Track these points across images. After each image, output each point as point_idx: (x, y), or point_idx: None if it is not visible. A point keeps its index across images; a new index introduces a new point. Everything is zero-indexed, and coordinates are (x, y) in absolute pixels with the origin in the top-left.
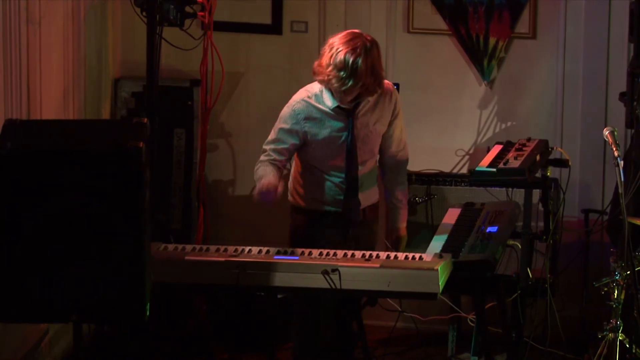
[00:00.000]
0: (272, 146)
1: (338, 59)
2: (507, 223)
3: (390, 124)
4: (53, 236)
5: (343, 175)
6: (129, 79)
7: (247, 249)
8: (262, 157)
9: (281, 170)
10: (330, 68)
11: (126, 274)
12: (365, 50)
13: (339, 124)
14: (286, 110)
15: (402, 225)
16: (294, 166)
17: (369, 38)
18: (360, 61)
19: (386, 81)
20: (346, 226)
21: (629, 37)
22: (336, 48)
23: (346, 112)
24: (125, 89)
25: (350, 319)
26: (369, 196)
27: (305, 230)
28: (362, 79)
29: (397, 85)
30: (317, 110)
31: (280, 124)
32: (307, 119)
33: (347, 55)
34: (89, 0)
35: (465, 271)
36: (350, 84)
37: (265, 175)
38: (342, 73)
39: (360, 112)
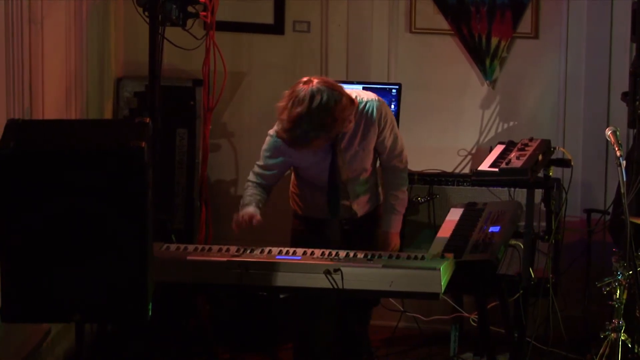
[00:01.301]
0: (259, 170)
1: (291, 136)
2: (509, 223)
3: (378, 136)
4: (55, 236)
5: None
6: (131, 78)
7: (249, 249)
8: (251, 177)
9: (268, 191)
10: (287, 139)
11: (128, 274)
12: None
13: (323, 149)
14: (268, 138)
15: (390, 230)
16: (292, 176)
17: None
18: (312, 136)
19: (368, 96)
20: (332, 236)
21: (631, 37)
22: (287, 120)
23: None
24: (127, 88)
25: (355, 322)
26: (365, 204)
27: (303, 235)
28: (319, 142)
29: (399, 85)
30: None
31: (265, 151)
32: (290, 147)
33: (301, 132)
34: (91, 0)
35: (468, 271)
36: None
37: (247, 204)
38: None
39: (342, 137)
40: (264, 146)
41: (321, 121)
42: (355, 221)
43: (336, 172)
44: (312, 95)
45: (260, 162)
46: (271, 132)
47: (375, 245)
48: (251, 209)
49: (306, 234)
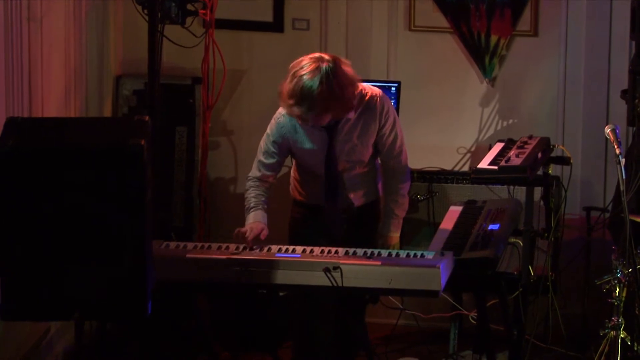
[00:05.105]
0: (262, 158)
1: (293, 89)
2: (509, 221)
3: (378, 132)
4: (54, 234)
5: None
6: (131, 76)
7: (248, 246)
8: (253, 172)
9: (269, 186)
10: (287, 98)
11: (128, 272)
12: (321, 79)
13: (320, 139)
14: (272, 122)
15: (389, 234)
16: (293, 163)
17: (327, 65)
18: (316, 91)
19: (373, 91)
20: (331, 224)
21: (630, 35)
22: (292, 76)
23: (327, 129)
24: (126, 86)
25: (351, 320)
26: (361, 196)
27: (303, 223)
28: (323, 109)
29: (398, 83)
30: (299, 125)
31: (267, 135)
32: (291, 132)
33: (304, 85)
34: None
35: (467, 269)
36: (310, 114)
37: (254, 208)
38: (301, 107)
39: (342, 129)
40: (269, 129)
41: (320, 76)
42: (352, 211)
43: (332, 163)
44: (302, 74)
45: (262, 146)
46: (276, 115)
47: (373, 241)
48: (259, 220)
49: (304, 220)
